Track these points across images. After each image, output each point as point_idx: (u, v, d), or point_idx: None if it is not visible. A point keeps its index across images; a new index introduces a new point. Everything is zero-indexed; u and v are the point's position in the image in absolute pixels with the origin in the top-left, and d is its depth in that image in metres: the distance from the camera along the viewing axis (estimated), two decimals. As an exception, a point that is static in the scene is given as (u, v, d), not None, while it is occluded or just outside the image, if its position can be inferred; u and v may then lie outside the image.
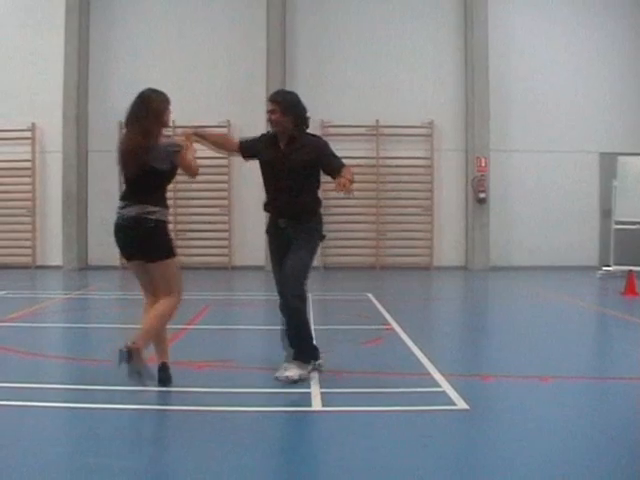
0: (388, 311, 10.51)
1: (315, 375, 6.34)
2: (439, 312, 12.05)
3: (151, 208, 5.90)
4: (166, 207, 6.05)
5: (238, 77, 17.76)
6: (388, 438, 4.89)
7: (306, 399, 5.74)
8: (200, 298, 12.14)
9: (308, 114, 6.41)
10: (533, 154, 18.15)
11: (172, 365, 6.19)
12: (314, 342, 6.52)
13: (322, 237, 6.51)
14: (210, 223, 17.90)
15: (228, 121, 17.04)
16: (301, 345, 6.35)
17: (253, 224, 16.51)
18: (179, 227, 17.32)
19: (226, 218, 17.88)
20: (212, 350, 7.76)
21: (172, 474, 4.32)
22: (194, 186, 16.67)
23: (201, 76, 17.54)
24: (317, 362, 6.48)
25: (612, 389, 6.35)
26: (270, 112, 6.31)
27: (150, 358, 6.57)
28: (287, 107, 6.27)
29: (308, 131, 6.52)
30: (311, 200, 6.45)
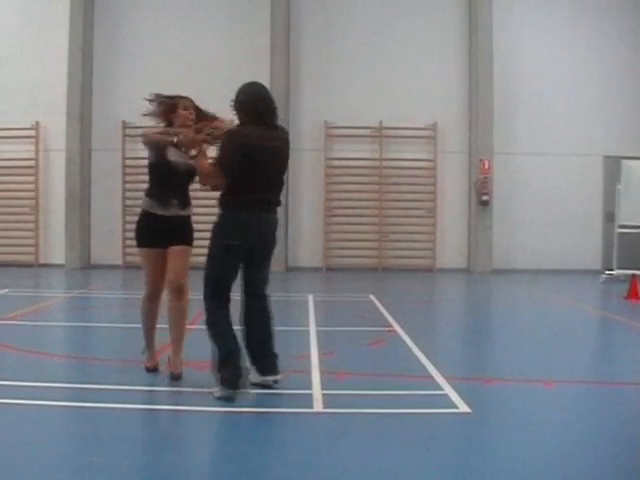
0: (390, 313, 10.50)
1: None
2: (441, 314, 12.03)
3: None
4: (149, 197, 6.46)
5: (242, 77, 17.58)
6: (389, 440, 4.88)
7: (307, 400, 5.72)
8: (201, 298, 12.11)
9: (250, 104, 6.05)
10: (536, 157, 18.13)
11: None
12: (232, 369, 5.78)
13: (224, 242, 5.92)
14: (210, 223, 17.80)
15: (232, 121, 16.94)
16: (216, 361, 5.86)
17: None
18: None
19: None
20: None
21: (174, 474, 4.29)
22: (196, 185, 16.57)
23: (205, 75, 17.50)
24: (223, 394, 5.73)
25: (615, 394, 6.33)
26: None
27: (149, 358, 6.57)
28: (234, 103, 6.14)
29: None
30: (221, 195, 5.97)
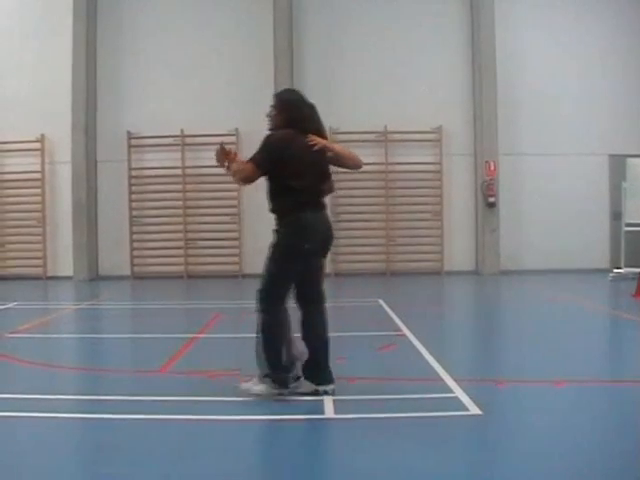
0: (399, 317, 10.49)
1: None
2: (451, 317, 12.00)
3: None
4: None
5: (246, 85, 17.75)
6: (401, 444, 4.87)
7: (318, 407, 5.72)
8: (211, 306, 12.14)
9: (305, 114, 6.15)
10: (542, 157, 18.10)
11: (185, 375, 6.17)
12: (282, 364, 6.08)
13: (293, 249, 6.14)
14: (220, 231, 17.85)
15: (236, 129, 17.03)
16: (264, 361, 6.08)
17: (264, 231, 16.42)
18: (189, 236, 17.29)
19: (236, 226, 17.86)
20: (224, 359, 7.74)
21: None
22: (203, 194, 16.67)
23: (210, 84, 17.52)
24: (287, 388, 6.04)
25: (626, 392, 6.31)
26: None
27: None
28: (280, 105, 6.17)
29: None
30: (276, 204, 6.14)
